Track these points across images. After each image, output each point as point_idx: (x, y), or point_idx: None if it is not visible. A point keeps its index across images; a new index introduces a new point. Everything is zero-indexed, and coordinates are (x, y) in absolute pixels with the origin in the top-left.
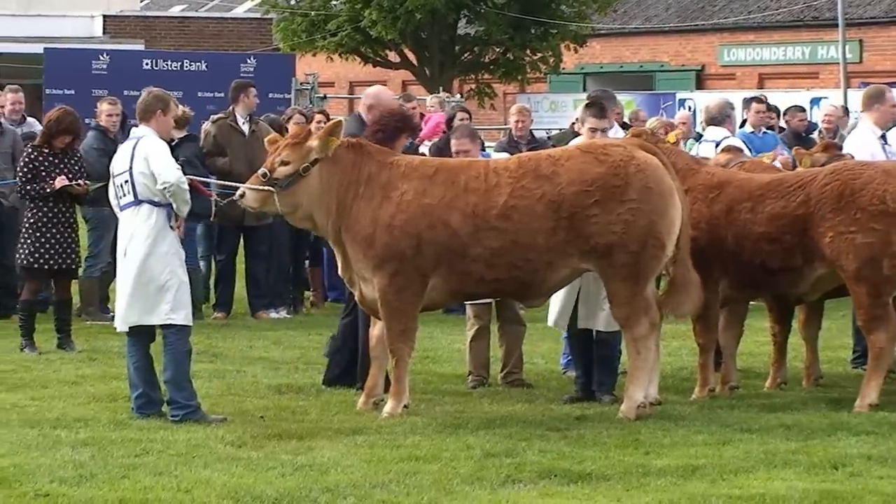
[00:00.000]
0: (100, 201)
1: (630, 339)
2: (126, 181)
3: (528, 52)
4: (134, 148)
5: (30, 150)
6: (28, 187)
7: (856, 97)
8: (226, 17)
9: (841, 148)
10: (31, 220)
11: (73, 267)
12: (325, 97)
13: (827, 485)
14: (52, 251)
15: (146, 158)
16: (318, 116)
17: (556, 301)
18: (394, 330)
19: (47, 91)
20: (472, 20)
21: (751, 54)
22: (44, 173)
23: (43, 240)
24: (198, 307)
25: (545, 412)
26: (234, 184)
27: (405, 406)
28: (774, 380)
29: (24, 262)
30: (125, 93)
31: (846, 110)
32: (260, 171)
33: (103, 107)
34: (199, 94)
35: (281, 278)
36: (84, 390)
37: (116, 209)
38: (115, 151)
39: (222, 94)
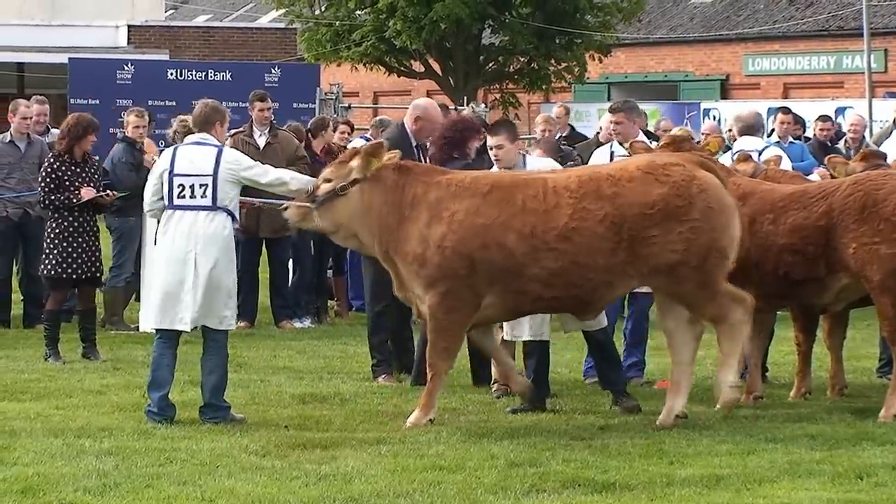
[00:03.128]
0: (125, 211)
1: (726, 329)
2: (204, 184)
3: (552, 61)
4: (220, 154)
5: (52, 159)
6: (52, 197)
7: (881, 107)
8: (250, 27)
9: (885, 157)
10: (56, 231)
11: (98, 276)
12: (349, 107)
13: (852, 495)
14: (78, 261)
15: (237, 168)
16: (342, 127)
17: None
18: (437, 346)
19: (72, 101)
20: (497, 30)
21: (776, 64)
22: (67, 182)
23: (70, 249)
24: None
25: (569, 421)
26: (280, 201)
27: (430, 420)
28: (799, 390)
29: (51, 272)
30: (150, 102)
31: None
32: (310, 187)
33: (130, 118)
34: (224, 104)
35: (304, 288)
36: (108, 399)
37: (167, 208)
38: (142, 162)
39: (247, 105)
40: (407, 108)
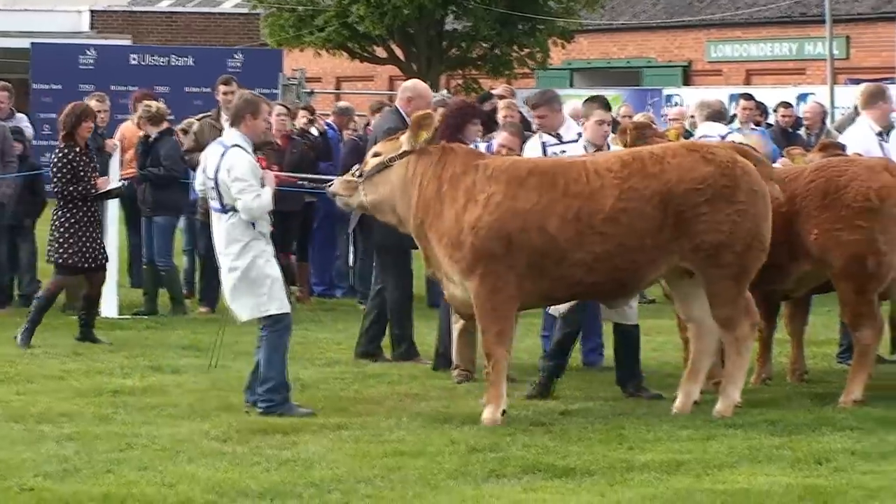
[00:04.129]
0: None
1: (732, 340)
2: (213, 187)
3: (515, 47)
4: (222, 157)
5: (66, 150)
6: (71, 188)
7: (843, 93)
8: (213, 13)
9: (843, 147)
10: (72, 221)
11: (106, 262)
12: (312, 92)
13: (811, 480)
14: (91, 250)
15: (229, 171)
16: (302, 112)
17: None
18: (490, 332)
19: (34, 86)
20: (460, 16)
21: (738, 50)
22: (82, 173)
23: (84, 239)
24: (179, 302)
25: (529, 407)
26: (326, 177)
27: (503, 412)
28: (759, 375)
29: (67, 261)
30: (112, 87)
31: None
32: (354, 168)
33: (91, 103)
34: (186, 90)
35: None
36: (69, 385)
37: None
38: (103, 147)
39: (209, 90)
40: (369, 93)
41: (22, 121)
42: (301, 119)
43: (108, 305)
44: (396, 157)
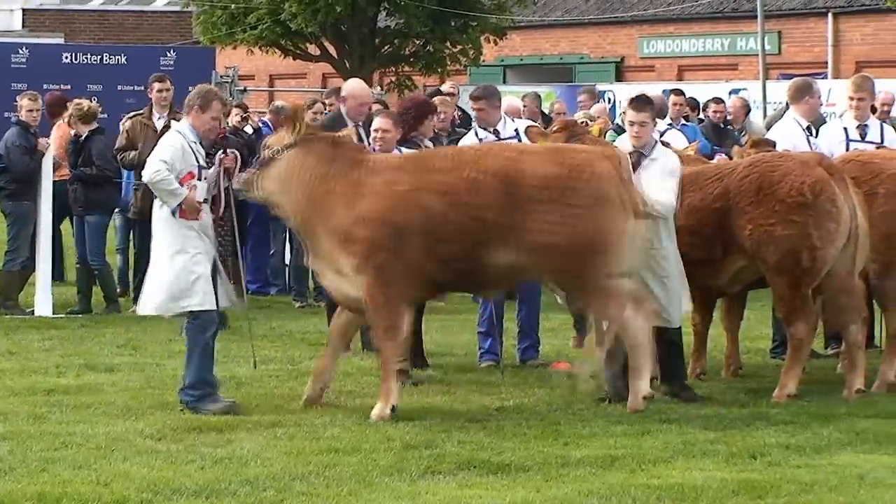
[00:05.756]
0: (19, 195)
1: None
2: None
3: (447, 44)
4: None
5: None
6: None
7: (775, 88)
8: (145, 11)
9: (774, 145)
10: None
11: None
12: (245, 90)
13: (745, 474)
14: None
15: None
16: (235, 110)
17: None
18: (381, 327)
19: None
20: (392, 13)
21: (670, 46)
22: None
23: None
24: (113, 301)
25: (464, 404)
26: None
27: (392, 408)
28: (694, 370)
29: None
30: (45, 86)
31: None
32: (257, 159)
33: (24, 102)
34: (119, 88)
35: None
36: (2, 384)
37: None
38: (36, 146)
39: (142, 88)
40: (302, 90)
41: None
42: (234, 117)
43: (43, 304)
44: (282, 150)
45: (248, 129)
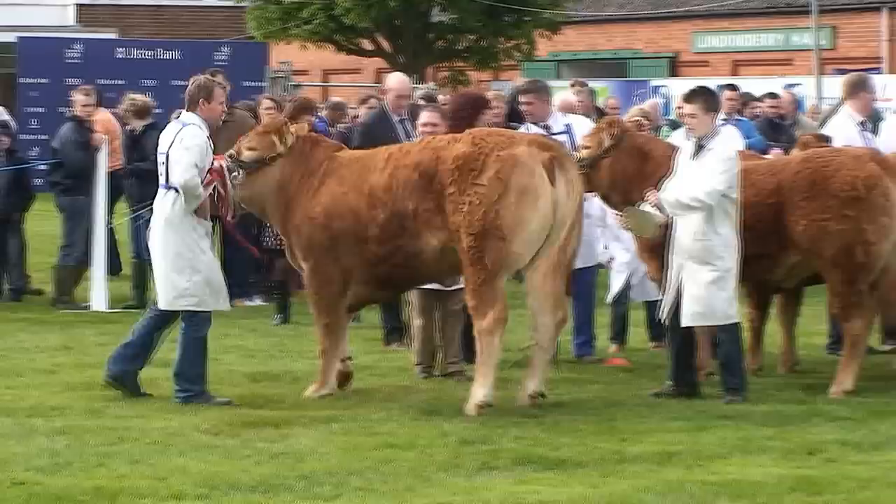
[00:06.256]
0: (74, 190)
1: (482, 336)
2: (163, 163)
3: (501, 39)
4: (178, 133)
5: None
6: None
7: (829, 84)
8: (199, 6)
9: (829, 140)
10: None
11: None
12: (298, 85)
13: (802, 471)
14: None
15: (181, 141)
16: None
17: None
18: (319, 323)
19: (21, 80)
20: (446, 8)
21: (724, 41)
22: None
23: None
24: None
25: (519, 399)
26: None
27: (330, 394)
28: (750, 366)
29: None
30: (99, 81)
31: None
32: (227, 153)
33: (78, 97)
34: (173, 83)
35: (256, 267)
36: (59, 379)
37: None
38: (90, 140)
39: None
40: (356, 85)
41: (2, 114)
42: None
43: (98, 299)
44: (272, 159)
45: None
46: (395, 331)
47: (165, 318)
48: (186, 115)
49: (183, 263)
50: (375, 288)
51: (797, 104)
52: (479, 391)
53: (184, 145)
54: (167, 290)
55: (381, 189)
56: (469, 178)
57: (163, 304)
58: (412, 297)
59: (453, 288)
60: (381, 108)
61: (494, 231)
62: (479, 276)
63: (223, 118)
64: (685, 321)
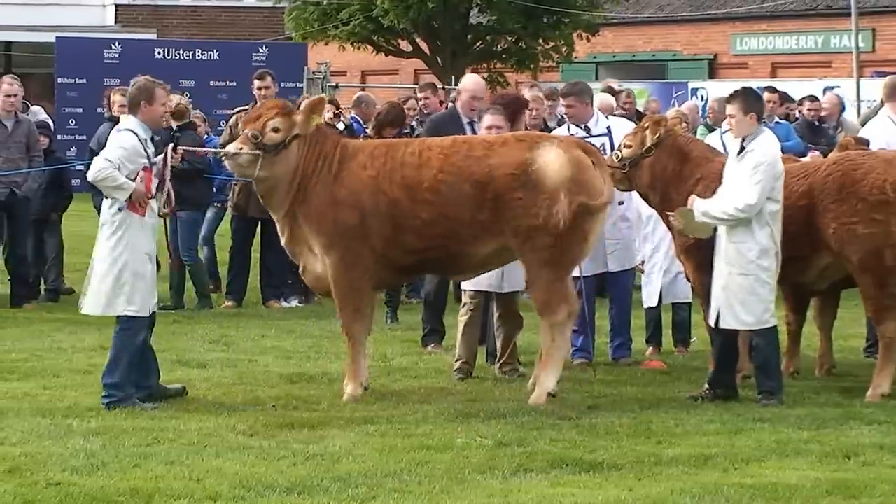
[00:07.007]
0: None
1: (547, 325)
2: None
3: (539, 41)
4: (111, 136)
5: None
6: None
7: (869, 86)
8: (238, 6)
9: (868, 143)
10: None
11: None
12: (337, 86)
13: (839, 474)
14: None
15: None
16: (327, 106)
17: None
18: (347, 309)
19: (59, 80)
20: (484, 9)
21: (763, 43)
22: None
23: None
24: (204, 296)
25: (556, 401)
26: (225, 150)
27: (365, 387)
28: (787, 369)
29: None
30: None
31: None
32: (250, 133)
33: (116, 97)
34: (211, 84)
35: (292, 267)
36: (96, 379)
37: None
38: None
39: (234, 84)
40: (394, 87)
41: (38, 114)
42: (327, 113)
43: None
44: (291, 139)
45: (340, 126)
46: (435, 333)
47: (130, 333)
48: (124, 120)
49: (119, 269)
50: (400, 274)
51: (842, 106)
52: (550, 381)
53: (107, 146)
54: (102, 298)
55: (426, 189)
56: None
57: (98, 312)
58: (465, 295)
59: (508, 290)
60: (452, 107)
61: (576, 231)
62: (553, 274)
63: None
64: (722, 323)
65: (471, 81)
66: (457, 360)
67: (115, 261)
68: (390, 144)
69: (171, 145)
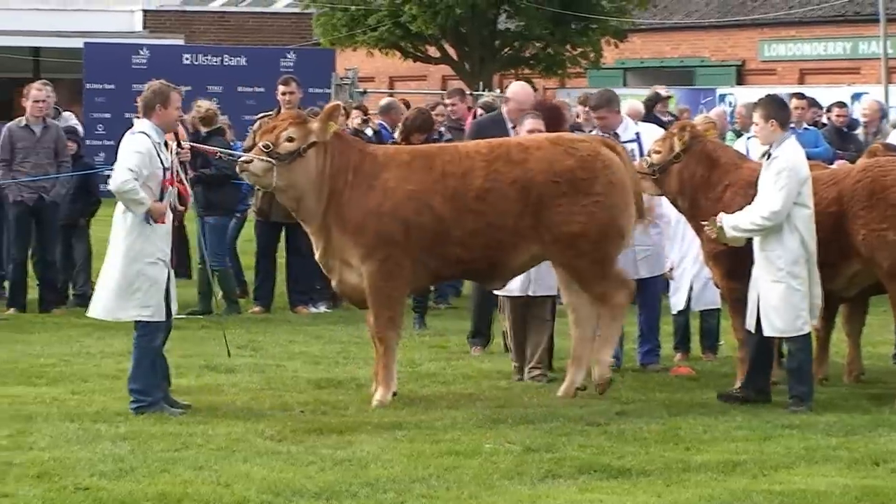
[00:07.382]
0: None
1: (607, 310)
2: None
3: (567, 47)
4: (124, 140)
5: None
6: None
7: None
8: (266, 12)
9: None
10: None
11: None
12: (364, 92)
13: (868, 481)
14: None
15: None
16: (355, 112)
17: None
18: (382, 317)
19: (87, 86)
20: (512, 15)
21: (791, 49)
22: None
23: None
24: (232, 301)
25: (585, 407)
26: (239, 152)
27: (394, 393)
28: (816, 375)
29: None
30: None
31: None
32: (262, 144)
33: None
34: (239, 89)
35: (320, 273)
36: (124, 384)
37: None
38: None
39: (262, 89)
40: (423, 93)
41: (69, 119)
42: (355, 119)
43: None
44: (307, 147)
45: (369, 132)
46: (480, 335)
47: (148, 338)
48: (139, 123)
49: (133, 274)
50: (438, 280)
51: (882, 112)
52: (607, 355)
53: (124, 152)
54: (116, 304)
55: (473, 197)
56: (582, 187)
57: (111, 317)
58: (502, 301)
59: (539, 295)
60: (498, 112)
61: (617, 230)
62: (603, 269)
63: None
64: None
65: (519, 89)
66: (515, 364)
67: (129, 266)
68: (423, 153)
69: (176, 142)
